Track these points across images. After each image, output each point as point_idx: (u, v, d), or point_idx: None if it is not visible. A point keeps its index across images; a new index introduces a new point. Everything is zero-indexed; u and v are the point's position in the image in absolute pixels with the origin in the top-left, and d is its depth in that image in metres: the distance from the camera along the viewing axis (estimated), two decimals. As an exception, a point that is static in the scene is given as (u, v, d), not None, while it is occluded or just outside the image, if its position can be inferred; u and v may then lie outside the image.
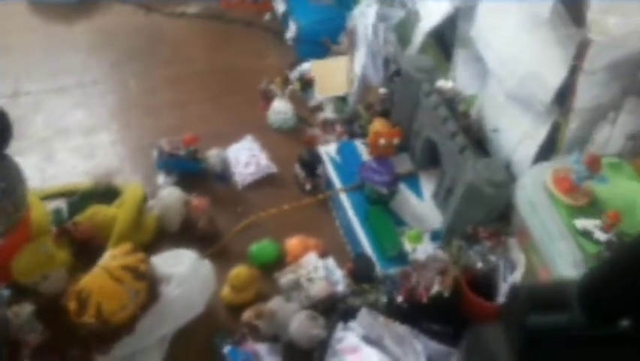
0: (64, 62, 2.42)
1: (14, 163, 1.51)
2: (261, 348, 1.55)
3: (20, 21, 2.60)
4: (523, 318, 0.99)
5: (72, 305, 1.32)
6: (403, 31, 2.12)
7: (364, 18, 2.09)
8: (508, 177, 1.54)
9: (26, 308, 1.47)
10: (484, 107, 1.84)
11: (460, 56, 1.97)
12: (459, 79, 1.95)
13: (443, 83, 1.85)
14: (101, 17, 2.66)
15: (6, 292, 1.51)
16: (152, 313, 1.42)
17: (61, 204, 1.76)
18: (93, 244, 1.64)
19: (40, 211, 1.67)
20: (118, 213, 1.70)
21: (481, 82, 1.88)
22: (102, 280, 1.32)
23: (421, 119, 1.81)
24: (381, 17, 2.04)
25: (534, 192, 1.45)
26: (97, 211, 1.70)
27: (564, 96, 1.51)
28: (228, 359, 1.49)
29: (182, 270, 1.49)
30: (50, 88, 2.28)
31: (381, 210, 1.75)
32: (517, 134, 1.71)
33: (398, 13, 2.06)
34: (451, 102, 1.81)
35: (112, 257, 1.38)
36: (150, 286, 1.40)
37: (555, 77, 1.48)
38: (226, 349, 1.51)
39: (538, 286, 1.39)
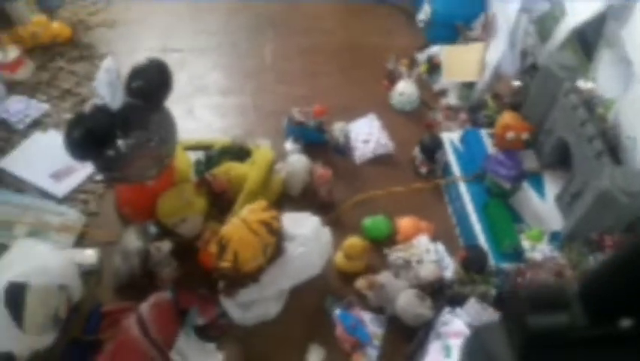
0: (207, 23, 2.58)
1: (170, 114, 1.68)
2: (366, 316, 1.63)
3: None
4: (524, 318, 0.98)
5: (213, 249, 1.47)
6: (544, 24, 2.05)
7: (506, 7, 2.05)
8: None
9: (166, 245, 1.63)
10: (623, 112, 1.77)
11: (603, 57, 1.89)
12: (599, 80, 1.87)
13: (582, 84, 1.80)
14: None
15: (153, 229, 1.69)
16: (275, 266, 1.53)
17: (200, 156, 1.92)
18: (226, 197, 1.78)
19: (183, 160, 1.85)
20: (249, 171, 1.82)
21: (622, 85, 1.80)
22: (241, 230, 1.45)
23: (556, 117, 1.77)
24: (525, 9, 2.00)
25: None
26: (232, 167, 1.84)
27: None
28: (338, 320, 1.59)
29: (306, 232, 1.59)
30: (193, 47, 2.46)
31: (500, 203, 1.75)
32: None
33: (543, 6, 2.00)
34: (590, 104, 1.75)
35: (251, 211, 1.50)
36: (278, 242, 1.51)
37: None
38: (337, 311, 1.60)
39: (538, 286, 1.35)
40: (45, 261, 1.47)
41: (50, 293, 1.41)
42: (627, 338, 0.93)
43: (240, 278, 1.50)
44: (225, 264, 1.44)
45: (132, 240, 1.62)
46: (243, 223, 1.46)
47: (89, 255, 1.68)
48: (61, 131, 1.99)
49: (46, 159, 1.91)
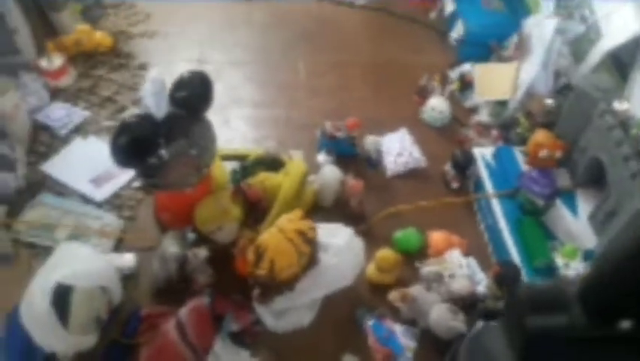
0: (242, 36, 2.65)
1: (211, 125, 1.72)
2: (398, 328, 1.64)
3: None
4: (524, 319, 0.98)
5: (250, 256, 1.50)
6: (579, 46, 2.07)
7: (541, 28, 2.07)
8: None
9: (202, 252, 1.67)
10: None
11: (638, 78, 1.90)
12: (633, 101, 1.88)
13: (618, 105, 1.81)
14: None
15: (192, 236, 1.73)
16: (310, 276, 1.56)
17: (235, 165, 1.97)
18: (260, 206, 1.82)
19: (220, 169, 1.89)
20: (283, 181, 1.86)
21: (657, 108, 1.81)
22: (277, 239, 1.48)
23: (590, 137, 1.78)
24: (560, 30, 2.02)
25: None
26: (266, 177, 1.87)
27: None
28: (370, 330, 1.61)
29: (340, 242, 1.62)
30: (229, 60, 2.52)
31: (534, 220, 1.76)
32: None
33: (578, 28, 2.02)
34: (625, 125, 1.76)
35: (288, 220, 1.53)
36: (313, 252, 1.54)
37: None
38: (370, 322, 1.62)
39: (538, 286, 1.34)
40: (88, 263, 1.51)
41: (93, 295, 1.45)
42: (626, 339, 0.94)
43: (275, 286, 1.53)
44: (262, 272, 1.47)
45: (170, 246, 1.66)
46: (279, 232, 1.49)
47: (128, 259, 1.72)
48: (102, 137, 2.08)
49: (87, 164, 1.97)
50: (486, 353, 1.26)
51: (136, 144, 1.55)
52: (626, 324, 0.92)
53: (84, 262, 1.51)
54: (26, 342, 1.39)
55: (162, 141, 1.59)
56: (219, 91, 2.30)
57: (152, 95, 1.57)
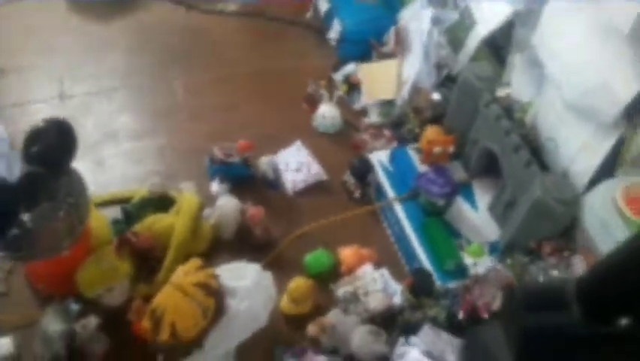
0: (106, 62, 2.40)
1: (79, 176, 1.52)
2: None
3: (59, 20, 2.58)
4: (522, 317, 0.99)
5: (147, 324, 1.33)
6: (455, 34, 2.08)
7: (417, 20, 2.05)
8: (577, 194, 1.52)
9: (92, 322, 1.48)
10: (540, 115, 1.82)
11: (515, 62, 1.93)
12: (514, 85, 1.92)
13: (499, 91, 1.83)
14: (139, 15, 2.64)
15: (75, 307, 1.52)
16: (219, 327, 1.42)
17: (116, 212, 1.77)
18: (153, 255, 1.65)
19: (100, 222, 1.68)
20: (176, 222, 1.70)
21: (536, 88, 1.85)
22: (175, 298, 1.33)
23: (479, 128, 1.79)
24: (435, 20, 2.01)
25: (604, 212, 1.43)
26: (155, 220, 1.70)
27: (635, 110, 1.48)
28: (292, 373, 1.51)
29: (247, 284, 1.49)
30: (95, 90, 2.27)
31: (437, 221, 1.74)
32: (576, 145, 1.68)
33: (452, 16, 2.03)
34: (509, 111, 1.78)
35: (184, 273, 1.38)
36: (219, 302, 1.40)
37: (627, 91, 1.45)
38: (291, 362, 1.52)
39: (536, 285, 1.38)
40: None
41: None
42: (625, 337, 0.93)
43: (181, 348, 1.37)
44: (164, 338, 1.31)
45: (53, 323, 1.45)
46: (176, 289, 1.34)
47: (4, 344, 1.50)
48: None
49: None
50: (484, 352, 1.23)
51: (-12, 217, 1.32)
52: (624, 322, 0.90)
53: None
54: None
55: (22, 206, 1.37)
56: (89, 127, 2.11)
57: (-1, 158, 1.35)
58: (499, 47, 2.02)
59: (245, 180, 1.96)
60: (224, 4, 2.71)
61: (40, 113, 2.06)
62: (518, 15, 1.83)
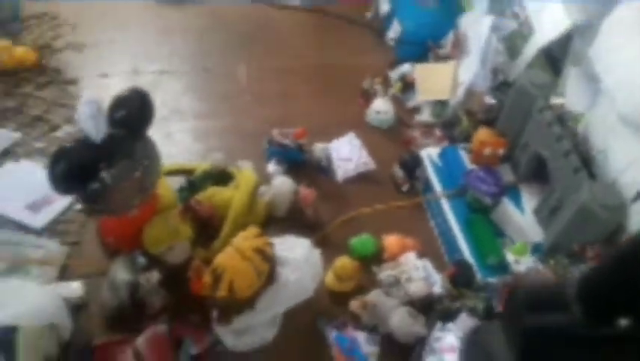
0: (177, 44, 2.56)
1: (153, 143, 1.65)
2: (360, 336, 1.64)
3: (137, 2, 2.75)
4: (522, 318, 1.00)
5: (207, 280, 1.45)
6: (512, 41, 2.15)
7: (476, 26, 2.13)
8: (623, 201, 1.56)
9: (154, 276, 1.60)
10: (592, 127, 1.86)
11: (570, 73, 1.98)
12: (568, 96, 1.97)
13: (553, 99, 1.89)
14: (211, 3, 2.78)
15: (142, 260, 1.65)
16: (270, 292, 1.53)
17: (180, 181, 1.90)
18: (212, 222, 1.77)
19: (166, 187, 1.82)
20: (234, 196, 1.81)
21: (590, 101, 1.89)
22: (235, 259, 1.44)
23: (531, 133, 1.85)
24: (495, 28, 2.08)
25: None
26: (216, 192, 1.82)
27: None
28: (334, 343, 1.60)
29: (298, 256, 1.59)
30: (165, 69, 2.43)
31: (483, 219, 1.81)
32: (627, 159, 1.71)
33: (511, 25, 2.09)
34: (562, 119, 1.84)
35: (244, 239, 1.49)
36: (272, 268, 1.51)
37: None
38: (332, 334, 1.61)
39: (537, 286, 1.39)
40: (32, 300, 1.41)
41: (41, 334, 1.36)
42: (625, 338, 0.96)
43: (236, 306, 1.49)
44: (222, 293, 1.43)
45: (121, 273, 1.58)
46: (236, 252, 1.45)
47: (75, 288, 1.62)
48: (35, 159, 1.96)
49: (21, 189, 1.84)
50: (485, 352, 1.25)
51: (75, 170, 1.46)
52: (624, 322, 0.92)
53: (28, 299, 1.41)
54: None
55: (103, 164, 1.51)
56: (158, 103, 2.18)
57: (88, 119, 1.48)
58: (555, 57, 2.07)
59: (299, 164, 2.07)
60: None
61: (115, 86, 2.22)
62: (577, 28, 1.88)
